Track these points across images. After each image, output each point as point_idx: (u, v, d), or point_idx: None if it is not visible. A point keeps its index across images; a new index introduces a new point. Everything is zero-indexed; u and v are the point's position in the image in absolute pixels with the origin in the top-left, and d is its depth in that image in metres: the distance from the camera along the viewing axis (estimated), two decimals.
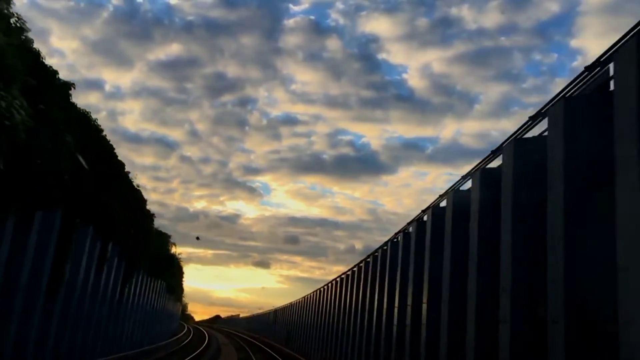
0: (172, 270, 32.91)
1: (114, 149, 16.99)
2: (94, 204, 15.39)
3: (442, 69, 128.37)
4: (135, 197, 20.46)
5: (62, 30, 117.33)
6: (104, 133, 16.52)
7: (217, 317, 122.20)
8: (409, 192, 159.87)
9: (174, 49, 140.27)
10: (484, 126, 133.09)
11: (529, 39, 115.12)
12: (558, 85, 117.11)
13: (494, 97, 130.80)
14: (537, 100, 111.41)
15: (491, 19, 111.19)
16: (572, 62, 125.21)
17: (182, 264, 39.44)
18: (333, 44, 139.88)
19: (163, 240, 27.84)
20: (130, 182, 19.65)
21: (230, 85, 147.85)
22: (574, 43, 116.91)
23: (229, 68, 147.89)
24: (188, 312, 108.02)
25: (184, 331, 45.92)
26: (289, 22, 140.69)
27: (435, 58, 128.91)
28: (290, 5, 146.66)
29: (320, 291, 26.91)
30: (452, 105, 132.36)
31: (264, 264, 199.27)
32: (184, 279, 48.46)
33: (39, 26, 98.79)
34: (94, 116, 14.89)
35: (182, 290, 55.28)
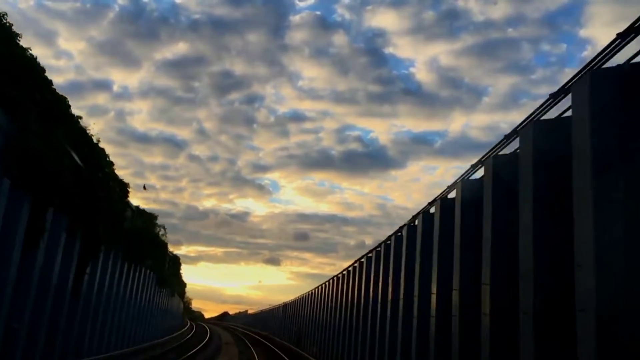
0: (160, 257, 27.83)
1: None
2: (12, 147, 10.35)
3: (450, 62, 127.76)
4: (93, 155, 15.24)
5: (69, 31, 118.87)
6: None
7: (225, 313, 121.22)
8: (418, 187, 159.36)
9: (180, 48, 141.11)
10: (493, 119, 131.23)
11: (537, 29, 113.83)
12: (567, 75, 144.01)
13: (502, 89, 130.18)
14: (547, 91, 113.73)
15: (498, 10, 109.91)
16: (581, 52, 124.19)
17: (181, 260, 34.81)
18: (339, 39, 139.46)
19: (146, 219, 22.77)
20: (83, 130, 14.47)
21: (237, 83, 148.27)
22: (583, 33, 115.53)
23: (235, 66, 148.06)
24: (198, 310, 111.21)
25: (182, 330, 40.93)
26: (295, 18, 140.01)
27: (443, 51, 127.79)
28: (296, 1, 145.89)
29: (340, 278, 21.72)
30: (460, 98, 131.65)
31: (274, 261, 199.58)
32: (182, 270, 43.37)
33: (46, 28, 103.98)
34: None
35: (181, 284, 50.29)
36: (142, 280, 22.83)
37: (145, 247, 21.45)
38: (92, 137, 15.61)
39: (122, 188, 19.54)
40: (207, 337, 35.96)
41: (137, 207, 22.81)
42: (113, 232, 17.89)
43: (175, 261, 37.95)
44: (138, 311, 22.57)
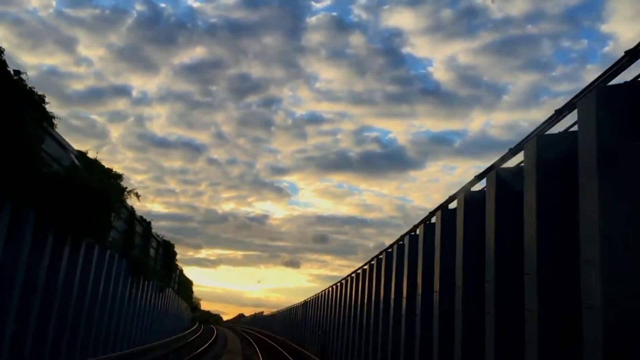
0: (128, 233, 20.28)
1: None
2: None
3: (468, 61, 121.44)
4: None
5: (89, 38, 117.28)
6: None
7: (241, 315, 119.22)
8: (438, 187, 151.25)
9: (198, 52, 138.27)
10: (513, 117, 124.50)
11: (557, 25, 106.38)
12: (589, 72, 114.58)
13: (522, 87, 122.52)
14: (568, 89, 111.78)
15: (517, 6, 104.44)
16: (603, 48, 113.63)
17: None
18: (356, 40, 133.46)
19: (98, 174, 15.21)
20: None
21: (254, 86, 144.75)
22: (604, 28, 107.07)
23: (252, 69, 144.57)
24: (216, 312, 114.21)
25: (177, 335, 33.44)
26: (312, 20, 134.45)
27: (461, 50, 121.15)
28: (312, 3, 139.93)
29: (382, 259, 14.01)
30: (479, 97, 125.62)
31: (294, 264, 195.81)
32: (177, 261, 35.82)
33: (66, 35, 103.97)
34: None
35: (182, 278, 42.86)
36: (89, 261, 15.26)
37: (95, 211, 13.88)
38: None
39: (39, 107, 11.99)
40: (205, 346, 28.46)
41: (81, 152, 15.27)
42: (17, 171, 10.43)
43: (168, 248, 30.54)
44: (79, 310, 14.91)
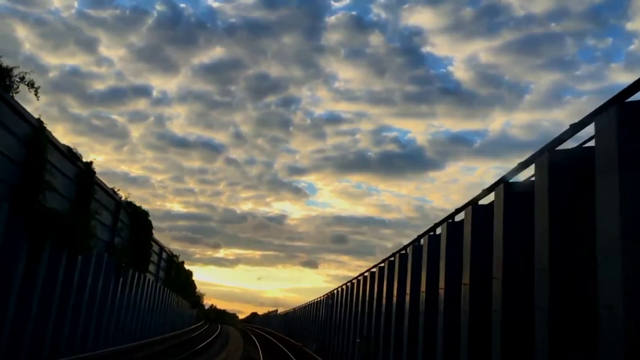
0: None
1: None
2: None
3: (489, 60, 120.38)
4: None
5: (110, 38, 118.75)
6: None
7: (254, 314, 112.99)
8: (457, 188, 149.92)
9: (217, 52, 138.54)
10: (535, 117, 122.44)
11: (581, 23, 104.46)
12: (613, 70, 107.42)
13: (545, 86, 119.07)
14: (592, 88, 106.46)
15: (540, 4, 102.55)
16: (628, 46, 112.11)
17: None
18: (375, 39, 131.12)
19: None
20: None
21: (273, 86, 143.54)
22: (629, 26, 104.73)
23: (271, 69, 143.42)
24: (233, 312, 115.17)
25: (164, 335, 24.58)
26: (331, 19, 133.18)
27: (482, 48, 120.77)
28: (332, 2, 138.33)
29: None
30: (500, 96, 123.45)
31: (311, 264, 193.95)
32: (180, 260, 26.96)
33: (87, 36, 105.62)
34: None
35: (168, 266, 33.88)
36: None
37: None
38: None
39: None
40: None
41: None
42: None
43: (137, 217, 21.50)
44: None
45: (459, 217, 9.15)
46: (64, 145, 14.30)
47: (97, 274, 16.64)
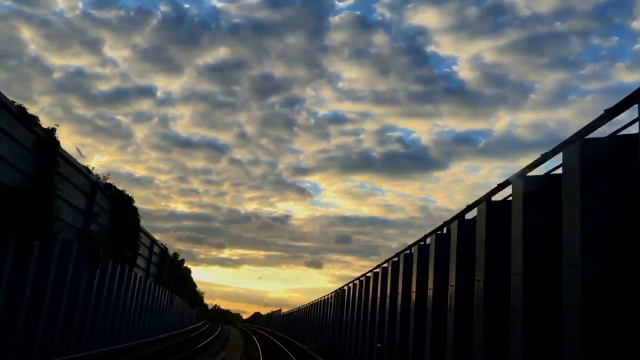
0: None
1: None
2: None
3: (494, 59, 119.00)
4: None
5: (114, 39, 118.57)
6: None
7: (257, 314, 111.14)
8: (461, 188, 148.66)
9: (221, 53, 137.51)
10: (540, 116, 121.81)
11: (586, 22, 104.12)
12: (618, 69, 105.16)
13: (550, 85, 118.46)
14: (597, 87, 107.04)
15: (545, 3, 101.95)
16: (633, 45, 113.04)
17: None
18: (380, 39, 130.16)
19: None
20: None
21: (277, 86, 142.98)
22: (635, 25, 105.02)
23: (275, 69, 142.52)
24: (236, 312, 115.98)
25: (154, 338, 21.82)
26: (335, 19, 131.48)
27: (486, 48, 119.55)
28: (336, 2, 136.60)
29: None
30: (505, 96, 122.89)
31: (315, 264, 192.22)
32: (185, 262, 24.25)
33: (92, 36, 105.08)
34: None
35: (160, 261, 31.16)
36: None
37: None
38: None
39: None
40: None
41: None
42: None
43: (119, 200, 18.83)
44: None
45: (469, 215, 8.97)
46: (16, 105, 11.63)
47: (65, 265, 13.91)
